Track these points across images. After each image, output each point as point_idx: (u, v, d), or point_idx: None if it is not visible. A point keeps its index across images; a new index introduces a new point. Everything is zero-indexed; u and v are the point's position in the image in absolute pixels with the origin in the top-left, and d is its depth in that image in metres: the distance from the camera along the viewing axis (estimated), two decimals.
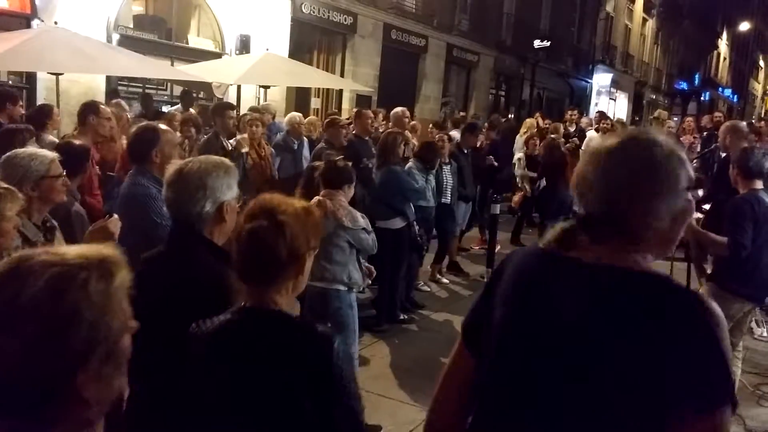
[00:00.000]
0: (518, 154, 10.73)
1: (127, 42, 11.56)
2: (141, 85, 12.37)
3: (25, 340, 1.00)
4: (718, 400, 1.33)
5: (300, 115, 8.47)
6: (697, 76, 44.21)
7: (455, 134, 9.75)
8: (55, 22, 9.73)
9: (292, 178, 6.90)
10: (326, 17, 16.36)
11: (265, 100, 11.81)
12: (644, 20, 37.03)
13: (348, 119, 9.05)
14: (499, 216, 8.89)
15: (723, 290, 4.46)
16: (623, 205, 1.42)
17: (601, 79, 32.66)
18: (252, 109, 9.21)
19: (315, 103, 16.73)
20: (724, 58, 52.21)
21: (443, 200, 7.56)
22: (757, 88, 62.10)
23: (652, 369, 1.30)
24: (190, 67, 11.16)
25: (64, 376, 1.03)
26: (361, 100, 16.35)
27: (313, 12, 15.90)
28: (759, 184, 4.49)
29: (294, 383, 1.74)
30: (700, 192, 6.17)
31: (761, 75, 63.17)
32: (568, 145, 11.53)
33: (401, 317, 6.57)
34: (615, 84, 33.82)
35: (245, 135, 6.83)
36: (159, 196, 3.13)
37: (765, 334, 6.56)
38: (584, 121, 14.34)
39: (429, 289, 7.75)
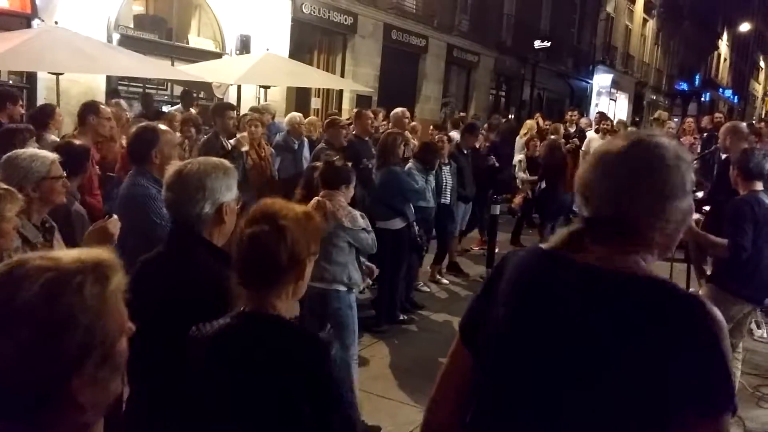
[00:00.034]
0: (519, 156, 10.73)
1: (127, 42, 11.56)
2: (141, 85, 12.37)
3: (20, 344, 1.00)
4: (721, 406, 1.33)
5: (300, 115, 8.47)
6: (697, 76, 44.22)
7: (455, 135, 9.75)
8: (56, 22, 9.74)
9: (292, 178, 6.90)
10: (326, 17, 16.36)
11: (266, 101, 11.81)
12: (645, 21, 37.04)
13: (348, 120, 9.05)
14: (499, 217, 8.89)
15: (723, 291, 4.45)
16: (631, 208, 1.42)
17: (602, 79, 32.67)
18: (253, 109, 9.21)
19: (315, 103, 16.73)
20: (725, 59, 52.21)
21: (443, 201, 7.55)
22: (758, 88, 62.10)
23: (655, 373, 1.30)
24: (191, 67, 11.16)
25: (59, 380, 1.03)
26: (362, 101, 16.35)
27: (314, 12, 15.90)
28: (759, 186, 4.49)
29: (292, 388, 1.74)
30: (699, 194, 6.16)
31: (761, 76, 63.16)
32: (568, 145, 11.53)
33: (401, 318, 6.57)
34: (615, 85, 33.83)
35: (245, 133, 6.82)
36: (159, 196, 3.12)
37: (765, 335, 6.56)
38: (583, 121, 14.33)
39: (429, 290, 7.75)
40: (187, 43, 13.81)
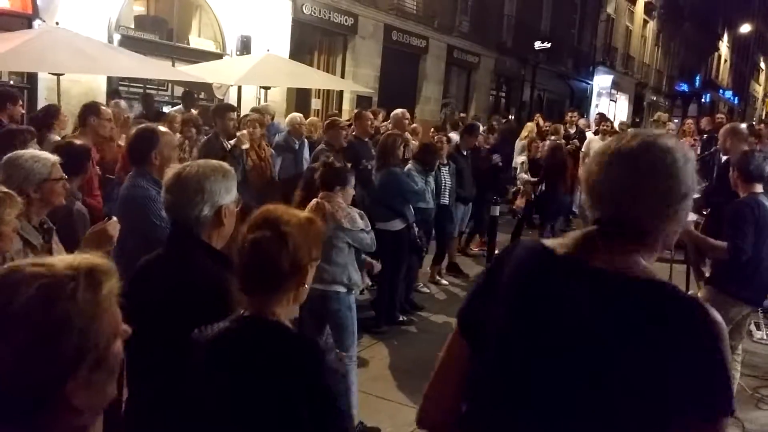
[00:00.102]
0: (521, 158, 10.73)
1: (128, 42, 11.57)
2: (142, 85, 12.37)
3: (16, 347, 1.02)
4: (720, 408, 1.34)
5: (301, 115, 8.46)
6: (697, 77, 44.21)
7: (454, 136, 9.76)
8: (57, 23, 9.72)
9: (292, 179, 6.90)
10: (327, 18, 16.37)
11: (266, 101, 11.81)
12: (645, 22, 37.03)
13: (348, 120, 9.05)
14: (499, 217, 8.89)
15: (722, 293, 4.45)
16: (632, 209, 1.42)
17: (602, 80, 32.66)
18: (254, 110, 9.21)
19: (315, 103, 16.73)
20: (725, 60, 52.20)
21: (442, 201, 7.55)
22: (758, 90, 62.08)
23: (655, 374, 1.31)
24: (191, 68, 11.16)
25: (55, 383, 1.05)
26: (362, 101, 16.35)
27: (314, 13, 15.91)
28: (759, 188, 4.49)
29: (291, 393, 1.75)
30: (696, 195, 6.16)
31: (762, 77, 63.14)
32: (568, 146, 11.55)
33: (400, 319, 6.57)
34: (615, 85, 33.82)
35: (245, 131, 6.82)
36: (158, 198, 3.12)
37: (765, 337, 6.56)
38: (582, 122, 14.36)
39: (428, 291, 7.76)
40: (188, 43, 13.82)
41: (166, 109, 11.08)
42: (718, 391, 1.33)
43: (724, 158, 7.00)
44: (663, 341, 1.32)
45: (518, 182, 10.51)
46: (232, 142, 6.73)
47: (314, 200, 4.32)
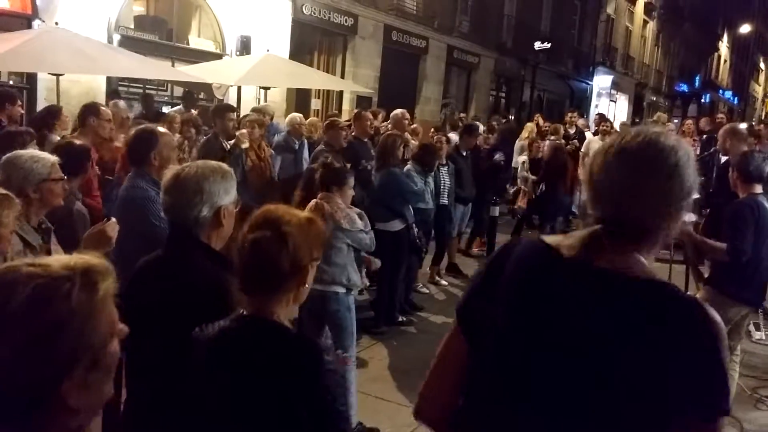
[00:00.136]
0: (521, 157, 10.74)
1: (127, 43, 11.56)
2: (141, 85, 12.37)
3: (12, 347, 1.02)
4: (720, 408, 1.35)
5: (301, 115, 8.47)
6: (697, 78, 44.21)
7: (453, 136, 9.76)
8: (56, 23, 9.72)
9: (291, 179, 6.91)
10: (327, 18, 16.36)
11: (266, 101, 11.81)
12: (645, 22, 37.03)
13: (348, 121, 9.05)
14: (498, 218, 8.90)
15: (720, 294, 4.45)
16: (633, 208, 1.41)
17: (602, 80, 32.66)
18: (254, 110, 9.21)
19: (315, 104, 16.73)
20: (725, 61, 52.20)
21: (441, 202, 7.55)
22: (758, 90, 62.07)
23: (655, 374, 1.31)
24: (191, 68, 11.16)
25: (51, 383, 1.05)
26: (362, 102, 16.35)
27: (314, 13, 15.90)
28: (758, 189, 4.49)
29: (291, 393, 1.75)
30: (696, 195, 6.16)
31: (762, 77, 63.14)
32: (567, 147, 11.56)
33: (400, 319, 6.57)
34: (615, 86, 33.82)
35: (244, 130, 6.82)
36: (158, 198, 3.12)
37: (764, 337, 6.56)
38: (580, 122, 14.37)
39: (428, 291, 7.76)
40: (188, 43, 13.81)
41: (165, 110, 11.09)
42: (717, 391, 1.34)
43: (723, 159, 7.00)
44: (663, 341, 1.32)
45: (519, 181, 10.52)
46: (231, 142, 6.74)
47: (313, 201, 4.33)
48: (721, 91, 49.95)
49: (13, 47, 7.52)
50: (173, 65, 12.16)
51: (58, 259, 1.13)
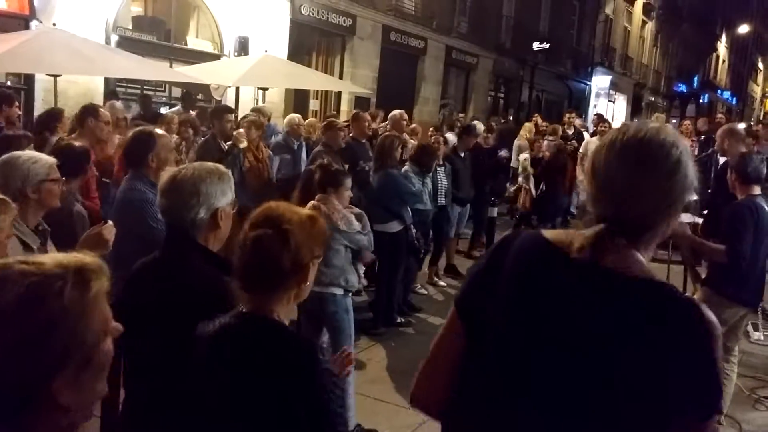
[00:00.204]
0: (523, 155, 10.76)
1: (125, 43, 11.55)
2: (139, 86, 12.37)
3: (3, 345, 1.02)
4: (716, 408, 1.37)
5: (299, 116, 8.47)
6: (696, 78, 44.26)
7: (450, 136, 9.76)
8: (54, 24, 9.73)
9: (289, 180, 6.90)
10: (325, 19, 16.37)
11: (264, 102, 11.81)
12: (643, 22, 37.07)
13: (346, 122, 9.05)
14: (497, 218, 8.89)
15: (718, 295, 4.45)
16: (641, 207, 1.41)
17: (600, 81, 32.68)
18: (254, 110, 9.20)
19: (314, 104, 16.72)
20: (723, 61, 52.27)
21: (439, 202, 7.54)
22: (756, 90, 62.17)
23: (655, 374, 1.31)
24: (189, 69, 11.15)
25: (42, 381, 1.05)
26: (360, 102, 16.34)
27: (312, 13, 15.90)
28: (757, 190, 4.49)
29: (288, 392, 1.74)
30: (694, 197, 6.16)
31: (760, 77, 63.25)
32: (566, 147, 11.56)
33: (398, 320, 6.57)
34: (614, 86, 33.84)
35: (242, 130, 6.82)
36: (155, 200, 3.12)
37: (762, 338, 6.56)
38: (577, 122, 14.37)
39: (426, 292, 7.76)
40: (186, 44, 13.81)
41: (163, 110, 11.08)
42: (713, 391, 1.35)
43: (722, 159, 7.00)
44: (663, 341, 1.32)
45: (520, 180, 10.53)
46: (229, 143, 6.73)
47: (310, 203, 4.33)
48: (719, 91, 50.02)
49: (11, 48, 7.51)
50: (171, 66, 12.15)
51: (52, 257, 1.13)
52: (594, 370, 1.35)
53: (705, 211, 6.00)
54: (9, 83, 10.41)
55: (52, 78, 8.31)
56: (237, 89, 12.18)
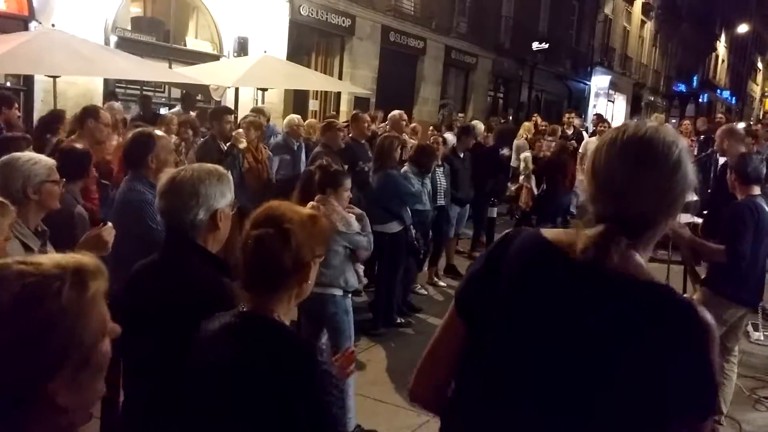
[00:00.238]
0: (524, 154, 10.76)
1: (124, 44, 11.55)
2: (139, 87, 12.37)
3: (1, 345, 1.03)
4: (710, 410, 1.38)
5: (299, 117, 8.46)
6: (695, 78, 44.29)
7: (449, 136, 9.75)
8: (53, 25, 9.73)
9: (289, 181, 6.90)
10: (324, 19, 16.37)
11: (263, 103, 11.81)
12: (642, 22, 37.09)
13: (346, 122, 9.05)
14: (497, 219, 8.89)
15: (717, 295, 4.45)
16: (641, 206, 1.41)
17: (600, 81, 32.70)
18: (255, 110, 9.20)
19: (313, 105, 16.73)
20: (723, 60, 52.30)
21: (439, 203, 7.54)
22: (756, 89, 62.22)
23: (655, 373, 1.32)
24: (188, 70, 11.16)
25: (38, 382, 1.05)
26: (360, 103, 16.35)
27: (311, 14, 15.90)
28: (757, 190, 4.49)
29: (288, 392, 1.74)
30: (695, 197, 6.15)
31: (759, 77, 63.29)
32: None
33: (398, 321, 6.57)
34: (613, 86, 33.86)
35: (241, 130, 6.82)
36: (155, 201, 3.13)
37: (762, 338, 6.56)
38: (576, 122, 14.37)
39: (426, 293, 7.75)
40: (185, 45, 13.81)
41: (163, 111, 11.08)
42: (709, 392, 1.36)
43: (721, 160, 7.00)
44: (662, 341, 1.33)
45: (521, 179, 10.54)
46: (229, 143, 6.73)
47: (309, 204, 4.32)
48: (718, 90, 50.06)
49: (10, 49, 7.51)
50: (170, 67, 12.15)
51: (50, 258, 1.13)
52: (594, 369, 1.35)
53: (705, 212, 6.00)
54: (8, 84, 10.41)
55: (52, 79, 8.31)
56: (236, 90, 12.18)
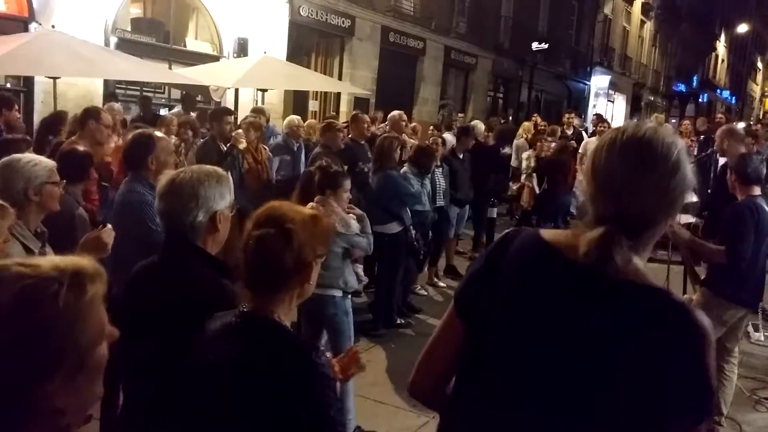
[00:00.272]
0: (526, 153, 10.77)
1: (124, 45, 11.55)
2: (139, 88, 12.36)
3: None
4: (706, 413, 1.38)
5: (298, 118, 8.46)
6: (695, 77, 44.29)
7: (447, 136, 9.75)
8: (53, 26, 9.73)
9: (288, 181, 6.90)
10: (324, 20, 16.37)
11: (263, 104, 11.81)
12: (642, 22, 37.09)
13: (346, 123, 9.04)
14: (496, 219, 8.89)
15: (717, 296, 4.43)
16: (640, 206, 1.41)
17: (599, 81, 32.70)
18: (255, 110, 9.20)
19: (313, 105, 16.73)
20: (722, 60, 52.29)
21: (438, 204, 7.54)
22: (755, 89, 62.23)
23: (653, 373, 1.32)
24: (188, 71, 11.15)
25: (34, 383, 1.05)
26: (359, 103, 16.35)
27: (311, 15, 15.91)
28: (757, 191, 4.49)
29: (288, 392, 1.74)
30: (695, 198, 6.15)
31: (759, 77, 63.29)
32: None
33: (398, 322, 6.57)
34: (613, 86, 33.86)
35: (241, 131, 6.82)
36: (155, 202, 3.13)
37: (762, 338, 6.55)
38: (575, 122, 14.37)
39: (426, 293, 7.75)
40: (185, 46, 13.81)
41: (163, 112, 11.08)
42: (706, 396, 1.37)
43: (722, 160, 6.99)
44: (661, 343, 1.33)
45: (523, 178, 10.54)
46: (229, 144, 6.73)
47: (309, 204, 4.32)
48: (718, 90, 50.06)
49: (10, 50, 7.51)
50: (170, 68, 12.15)
51: (49, 260, 1.13)
52: (594, 369, 1.36)
53: (705, 212, 6.00)
54: (8, 85, 10.41)
55: (52, 80, 8.30)
56: (236, 91, 12.17)
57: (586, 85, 32.23)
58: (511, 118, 21.20)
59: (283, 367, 1.76)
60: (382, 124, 10.01)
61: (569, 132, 13.29)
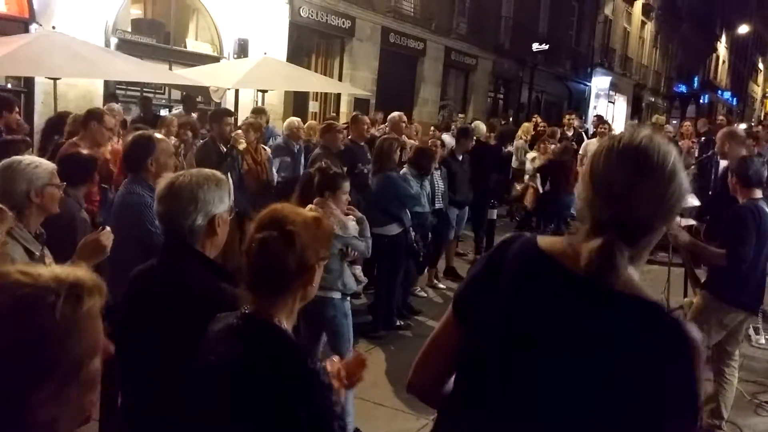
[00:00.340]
0: (531, 154, 10.76)
1: (125, 46, 11.55)
2: (139, 88, 12.36)
3: None
4: (693, 423, 1.40)
5: (298, 120, 8.45)
6: (696, 78, 44.28)
7: (446, 137, 9.74)
8: (53, 27, 9.73)
9: (288, 183, 6.90)
10: (324, 21, 16.37)
11: (263, 104, 11.80)
12: (643, 23, 37.08)
13: (345, 124, 9.04)
14: (496, 221, 8.88)
15: (717, 299, 4.42)
16: (640, 212, 1.41)
17: (600, 82, 32.69)
18: (255, 111, 9.20)
19: (313, 106, 16.73)
20: (723, 61, 52.30)
21: (437, 205, 7.52)
22: (756, 90, 62.22)
23: (651, 375, 1.35)
24: (188, 71, 11.15)
25: (23, 390, 1.05)
26: (360, 104, 16.35)
27: (311, 15, 15.91)
28: (758, 193, 4.48)
29: (289, 394, 1.74)
30: (696, 202, 6.14)
31: (760, 78, 63.29)
32: None
33: (397, 323, 6.56)
34: (614, 87, 33.85)
35: (240, 131, 6.81)
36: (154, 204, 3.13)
37: (763, 341, 6.54)
38: (575, 123, 14.37)
39: (426, 295, 7.75)
40: (185, 47, 13.81)
41: (163, 113, 11.07)
42: (692, 407, 1.39)
43: (722, 162, 6.98)
44: (656, 347, 1.37)
45: (527, 178, 10.54)
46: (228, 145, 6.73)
47: (308, 207, 4.32)
48: (719, 91, 50.06)
49: (11, 51, 7.51)
50: (170, 68, 12.14)
51: (50, 270, 1.13)
52: (595, 369, 1.37)
53: (705, 215, 5.98)
54: (9, 86, 10.41)
55: (52, 81, 8.30)
56: (236, 92, 12.17)
57: (587, 86, 32.23)
58: (511, 119, 21.20)
59: (285, 369, 1.76)
60: (382, 126, 10.01)
61: (569, 133, 13.28)
